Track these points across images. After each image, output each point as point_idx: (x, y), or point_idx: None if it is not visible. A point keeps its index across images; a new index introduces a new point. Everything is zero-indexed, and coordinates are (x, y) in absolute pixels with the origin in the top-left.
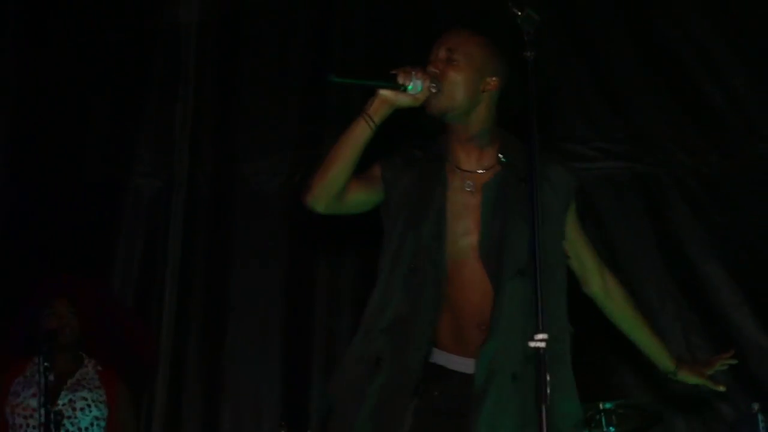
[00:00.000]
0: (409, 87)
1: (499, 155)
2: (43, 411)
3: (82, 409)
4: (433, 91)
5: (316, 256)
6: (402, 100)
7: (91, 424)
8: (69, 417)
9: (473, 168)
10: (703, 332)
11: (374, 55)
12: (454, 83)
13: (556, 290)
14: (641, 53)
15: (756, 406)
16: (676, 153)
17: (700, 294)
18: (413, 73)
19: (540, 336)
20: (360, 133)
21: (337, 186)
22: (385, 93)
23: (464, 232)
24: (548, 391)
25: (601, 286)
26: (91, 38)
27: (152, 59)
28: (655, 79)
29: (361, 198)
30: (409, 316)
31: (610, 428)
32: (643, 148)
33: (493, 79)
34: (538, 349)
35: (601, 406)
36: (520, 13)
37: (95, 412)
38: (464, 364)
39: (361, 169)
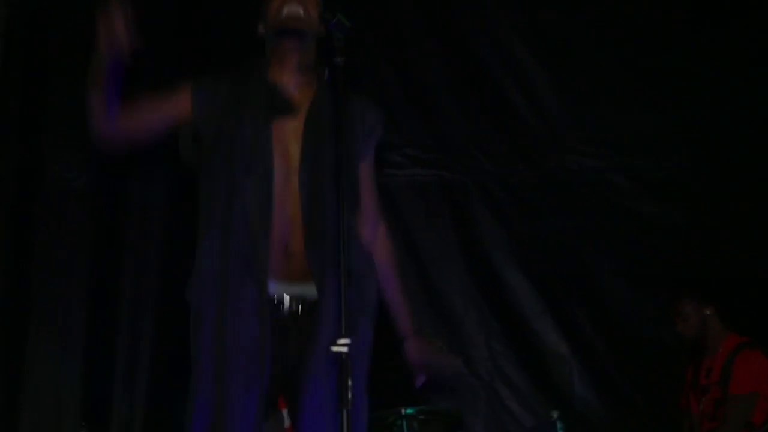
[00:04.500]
0: None
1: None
2: None
3: None
4: None
5: (122, 257)
6: None
7: None
8: None
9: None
10: (505, 339)
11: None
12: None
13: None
14: (450, 61)
15: (555, 414)
16: (483, 161)
17: (503, 301)
18: None
19: (343, 341)
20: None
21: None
22: None
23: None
24: (350, 396)
25: (371, 235)
26: None
27: None
28: (463, 88)
29: (156, 115)
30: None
31: None
32: (450, 156)
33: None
34: (340, 354)
35: (402, 411)
36: (331, 20)
37: None
38: None
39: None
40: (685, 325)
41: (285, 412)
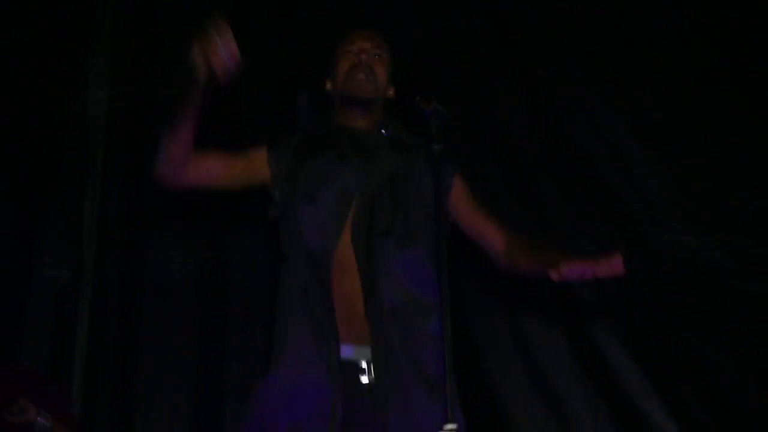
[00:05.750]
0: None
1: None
2: None
3: None
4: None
5: (226, 345)
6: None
7: None
8: None
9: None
10: (612, 420)
11: None
12: (382, 75)
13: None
14: (550, 146)
15: None
16: (585, 245)
17: (608, 382)
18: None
19: (449, 427)
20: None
21: (175, 151)
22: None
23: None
24: None
25: (500, 243)
26: None
27: (61, 147)
28: (564, 173)
29: (229, 170)
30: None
31: None
32: (549, 239)
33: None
34: None
35: None
36: (427, 107)
37: None
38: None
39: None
40: None
41: None
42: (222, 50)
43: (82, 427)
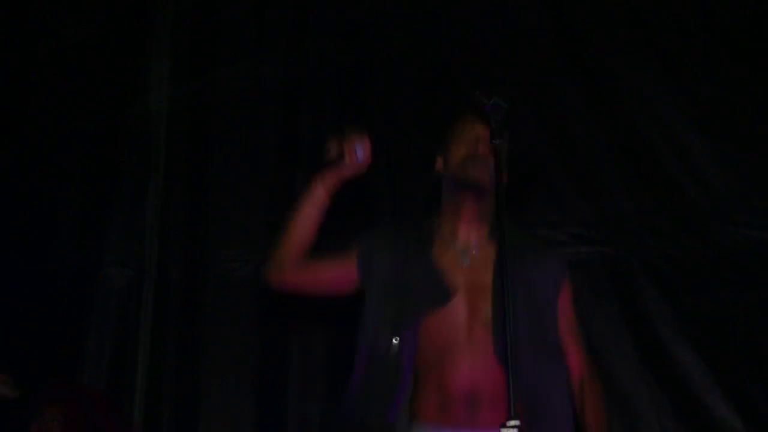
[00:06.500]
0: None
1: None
2: None
3: None
4: None
5: (288, 343)
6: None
7: None
8: None
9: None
10: (675, 415)
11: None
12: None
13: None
14: (611, 137)
15: None
16: (646, 237)
17: (672, 377)
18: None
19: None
20: (309, 201)
21: (290, 254)
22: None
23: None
24: None
25: (578, 379)
26: (62, 126)
27: (123, 148)
28: (625, 163)
29: (326, 275)
30: None
31: None
32: (612, 232)
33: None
34: None
35: None
36: (487, 102)
37: None
38: None
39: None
40: None
41: None
42: (358, 149)
43: None
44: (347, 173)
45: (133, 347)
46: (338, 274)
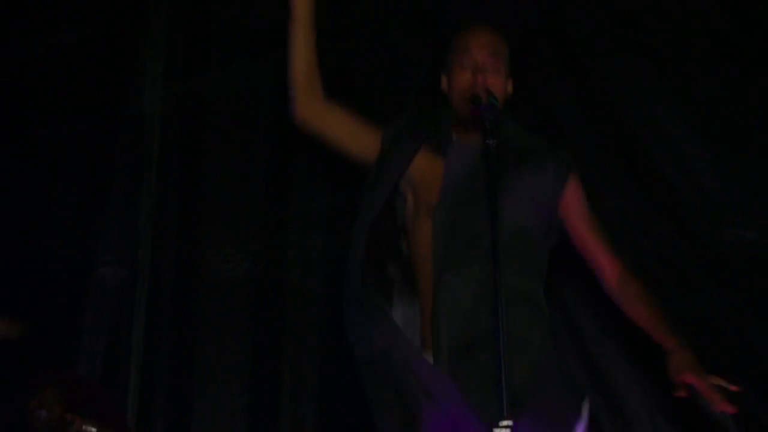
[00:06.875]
0: None
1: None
2: None
3: None
4: None
5: (281, 343)
6: None
7: None
8: None
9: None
10: (667, 415)
11: None
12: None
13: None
14: (604, 139)
15: None
16: (639, 238)
17: (664, 378)
18: None
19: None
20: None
21: (299, 81)
22: None
23: None
24: None
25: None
26: (55, 127)
27: (116, 148)
28: (617, 163)
29: (351, 129)
30: None
31: None
32: None
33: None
34: None
35: None
36: (482, 102)
37: None
38: None
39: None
40: None
41: None
42: None
43: None
44: None
45: (127, 347)
46: (363, 132)
